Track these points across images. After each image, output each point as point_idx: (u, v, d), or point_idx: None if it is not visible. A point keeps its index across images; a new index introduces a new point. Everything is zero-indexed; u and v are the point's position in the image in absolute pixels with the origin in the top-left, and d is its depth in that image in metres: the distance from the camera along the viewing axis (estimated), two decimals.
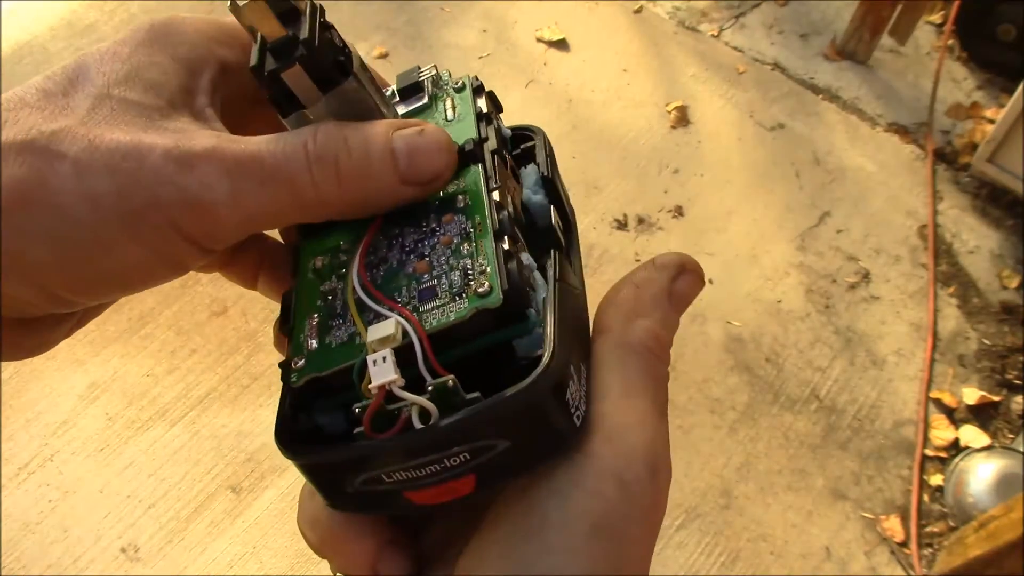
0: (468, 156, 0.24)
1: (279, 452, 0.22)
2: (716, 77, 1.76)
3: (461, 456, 0.19)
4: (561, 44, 1.78)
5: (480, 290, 0.21)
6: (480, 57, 1.73)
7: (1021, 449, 1.25)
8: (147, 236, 0.20)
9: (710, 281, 1.43)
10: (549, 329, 0.21)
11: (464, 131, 0.25)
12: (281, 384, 0.23)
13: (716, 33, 1.86)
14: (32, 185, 0.19)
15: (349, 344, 0.21)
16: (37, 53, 1.65)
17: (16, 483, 1.15)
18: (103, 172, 0.19)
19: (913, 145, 1.68)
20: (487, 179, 0.23)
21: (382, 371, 0.19)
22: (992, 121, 1.63)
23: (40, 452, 1.18)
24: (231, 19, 0.23)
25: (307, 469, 0.21)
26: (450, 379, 0.19)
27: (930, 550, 1.18)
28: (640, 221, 1.50)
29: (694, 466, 1.23)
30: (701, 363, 1.33)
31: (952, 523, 1.20)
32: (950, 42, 1.83)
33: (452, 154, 0.23)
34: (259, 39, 0.22)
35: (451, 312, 0.21)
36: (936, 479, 1.25)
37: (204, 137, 0.21)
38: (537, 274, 0.22)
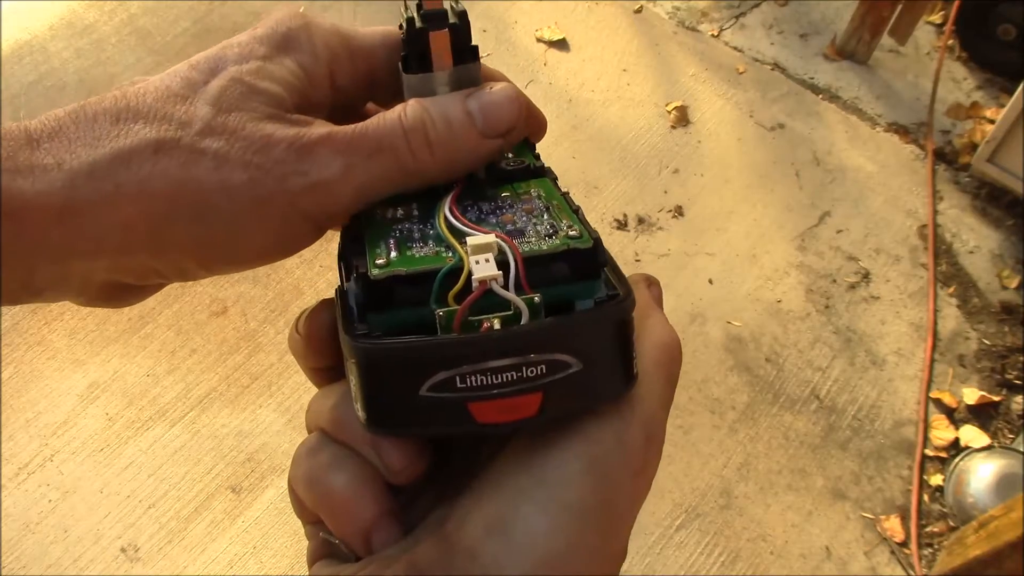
0: (535, 171, 0.26)
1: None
2: (716, 77, 1.76)
3: (538, 368, 0.20)
4: (561, 44, 1.78)
5: (572, 233, 0.22)
6: (480, 57, 1.73)
7: (1021, 449, 1.25)
8: (273, 218, 0.23)
9: (710, 281, 1.43)
10: (617, 274, 0.23)
11: (529, 159, 0.28)
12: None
13: (716, 33, 1.86)
14: (179, 178, 0.22)
15: (435, 258, 0.22)
16: (37, 53, 1.65)
17: (16, 483, 1.15)
18: (238, 165, 0.22)
19: (913, 145, 1.68)
20: (556, 186, 0.26)
21: (485, 268, 0.20)
22: (992, 121, 1.63)
23: (40, 452, 1.18)
24: (362, 34, 0.26)
25: (380, 364, 0.20)
26: (536, 296, 0.20)
27: (930, 550, 1.18)
28: (640, 221, 1.50)
29: (694, 466, 1.23)
30: (701, 363, 1.33)
31: (952, 523, 1.20)
32: (950, 42, 1.83)
33: (522, 103, 0.25)
34: (416, 4, 0.25)
35: (544, 245, 0.22)
36: (936, 479, 1.25)
37: (319, 126, 0.24)
38: None
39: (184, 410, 1.22)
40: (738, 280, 1.44)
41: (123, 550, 1.10)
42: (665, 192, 1.55)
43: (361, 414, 0.21)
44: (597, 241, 0.22)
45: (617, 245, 1.45)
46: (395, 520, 0.23)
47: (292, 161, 0.23)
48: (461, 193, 0.25)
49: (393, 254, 0.22)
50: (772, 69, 1.80)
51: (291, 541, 1.12)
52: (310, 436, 0.25)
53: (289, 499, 0.25)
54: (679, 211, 1.52)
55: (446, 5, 0.25)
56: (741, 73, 1.77)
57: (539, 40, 1.78)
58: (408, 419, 0.21)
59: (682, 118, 1.67)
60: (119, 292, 0.25)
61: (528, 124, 0.29)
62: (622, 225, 1.49)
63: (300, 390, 1.24)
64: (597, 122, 1.65)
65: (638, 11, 1.88)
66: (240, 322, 1.32)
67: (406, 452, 0.23)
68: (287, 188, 0.23)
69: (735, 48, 1.83)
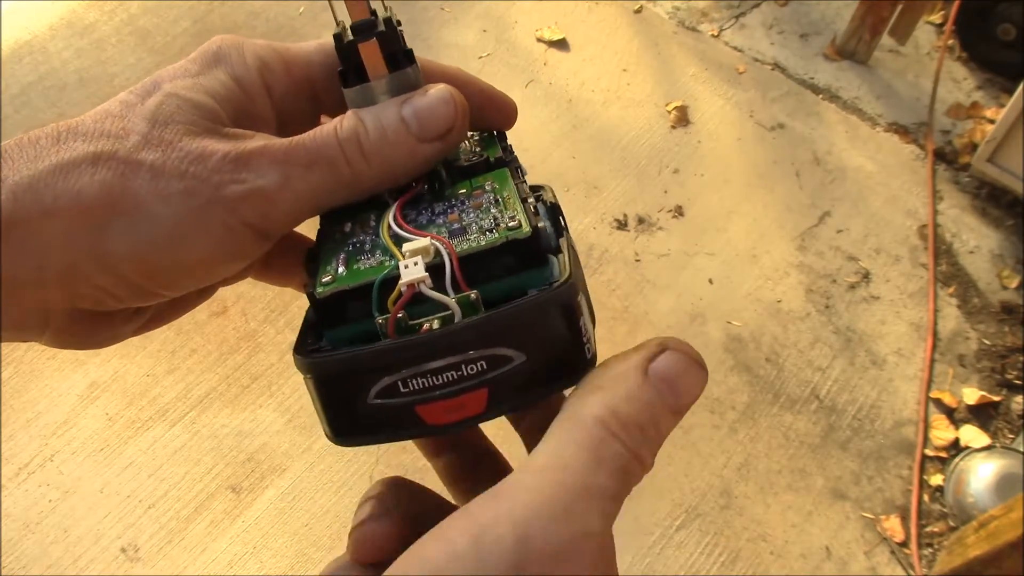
0: (496, 163, 0.26)
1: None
2: (716, 77, 1.76)
3: (478, 364, 0.20)
4: (561, 44, 1.78)
5: (511, 224, 0.22)
6: (480, 57, 1.73)
7: (1021, 449, 1.25)
8: (212, 226, 0.23)
9: (710, 281, 1.43)
10: (566, 259, 0.22)
11: (491, 153, 0.28)
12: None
13: (716, 33, 1.86)
14: (116, 188, 0.22)
15: (378, 267, 0.22)
16: (37, 53, 1.65)
17: (16, 483, 1.15)
18: (174, 175, 0.23)
19: (913, 145, 1.68)
20: (514, 174, 0.26)
21: (412, 272, 0.21)
22: (992, 121, 1.63)
23: (40, 452, 1.18)
24: (297, 45, 0.27)
25: (326, 377, 0.21)
26: (473, 293, 0.21)
27: (930, 550, 1.18)
28: (640, 221, 1.50)
29: (694, 466, 1.23)
30: None
31: (952, 523, 1.20)
32: (950, 42, 1.83)
33: (460, 104, 0.25)
34: (345, 19, 0.25)
35: (482, 240, 0.22)
36: (936, 479, 1.25)
37: (257, 140, 0.24)
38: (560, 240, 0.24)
39: (184, 410, 1.22)
40: (738, 280, 1.44)
41: (123, 550, 1.10)
42: (665, 192, 1.55)
43: (324, 427, 0.22)
44: (536, 229, 0.22)
45: (617, 245, 1.45)
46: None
47: (228, 170, 0.23)
48: (420, 195, 0.25)
49: (341, 269, 0.23)
50: (772, 69, 1.80)
51: (291, 541, 1.12)
52: None
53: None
54: (679, 211, 1.52)
55: (380, 11, 0.25)
56: (741, 73, 1.77)
57: (539, 40, 1.78)
58: (365, 427, 0.21)
59: (682, 118, 1.67)
60: (86, 326, 0.25)
61: (495, 115, 0.29)
62: (622, 225, 1.49)
63: (300, 390, 1.24)
64: (597, 122, 1.65)
65: (638, 11, 1.88)
66: (240, 322, 1.32)
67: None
68: (225, 195, 0.23)
69: (735, 48, 1.83)
